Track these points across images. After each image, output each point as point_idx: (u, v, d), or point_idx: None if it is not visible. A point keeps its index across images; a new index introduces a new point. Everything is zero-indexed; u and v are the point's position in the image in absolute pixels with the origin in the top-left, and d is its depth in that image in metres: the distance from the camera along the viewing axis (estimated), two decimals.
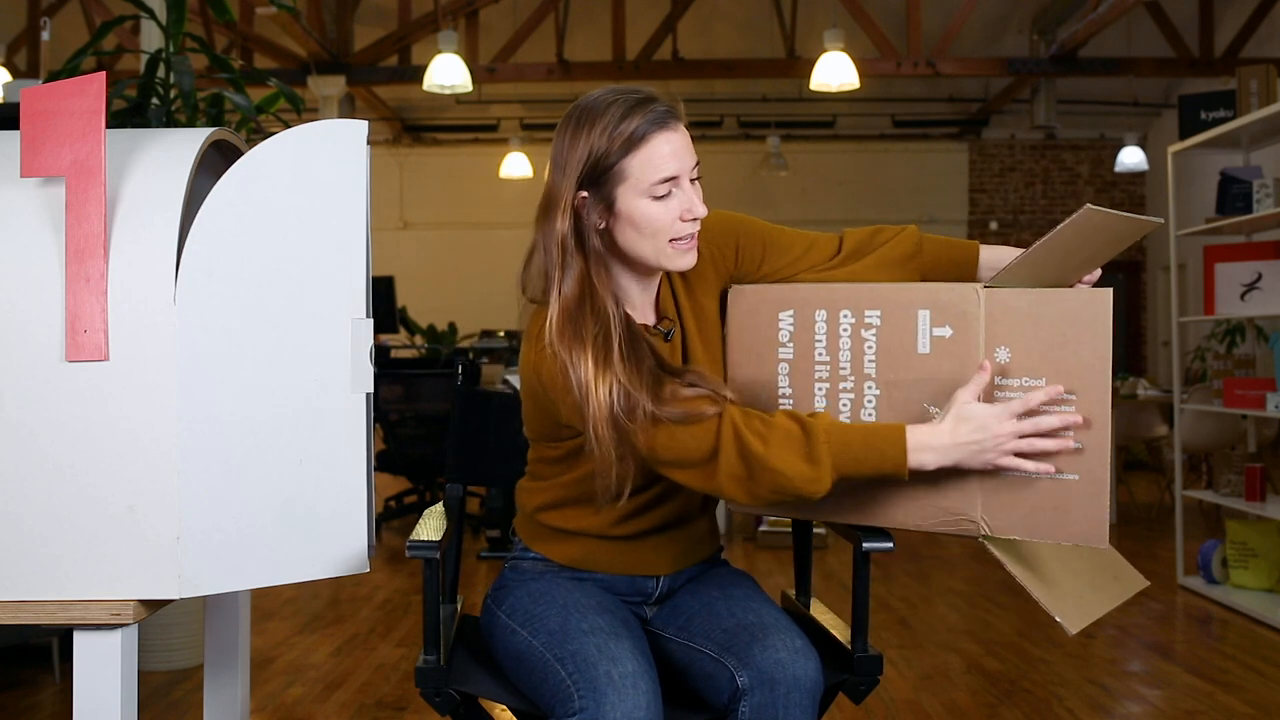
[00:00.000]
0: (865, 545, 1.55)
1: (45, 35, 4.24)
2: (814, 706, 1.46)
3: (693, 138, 1.52)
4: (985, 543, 1.48)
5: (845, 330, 1.51)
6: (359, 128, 1.54)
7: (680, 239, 1.50)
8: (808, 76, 7.04)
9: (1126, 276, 11.12)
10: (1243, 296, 4.21)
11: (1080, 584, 1.48)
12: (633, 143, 1.46)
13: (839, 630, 1.69)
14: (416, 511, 5.95)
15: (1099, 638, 3.70)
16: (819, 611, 1.80)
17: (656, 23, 8.40)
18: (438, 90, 6.86)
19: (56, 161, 1.43)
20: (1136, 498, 6.89)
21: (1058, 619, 1.39)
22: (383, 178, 10.89)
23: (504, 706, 1.56)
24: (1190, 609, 4.15)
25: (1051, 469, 1.40)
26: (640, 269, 1.55)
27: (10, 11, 8.30)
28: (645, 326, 1.57)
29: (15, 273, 1.43)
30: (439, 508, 1.77)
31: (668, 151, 1.47)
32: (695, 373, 1.49)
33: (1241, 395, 4.13)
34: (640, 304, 1.59)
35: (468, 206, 11.12)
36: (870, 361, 1.49)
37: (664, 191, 1.47)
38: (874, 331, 1.49)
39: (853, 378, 1.51)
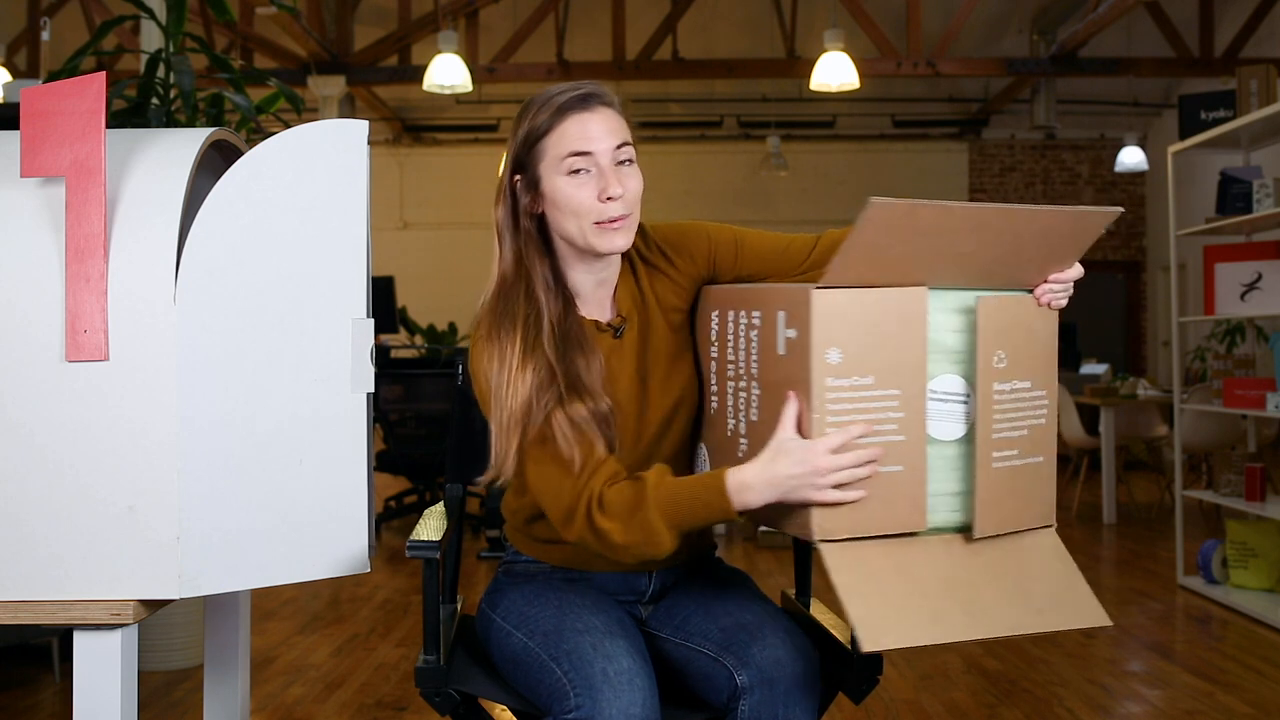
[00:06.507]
0: None
1: (45, 35, 4.25)
2: (813, 704, 1.46)
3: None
4: (819, 547, 1.39)
5: (743, 331, 1.52)
6: (359, 128, 1.54)
7: (605, 221, 1.49)
8: (808, 76, 7.04)
9: (1126, 276, 11.12)
10: (1243, 296, 4.21)
11: (950, 604, 1.38)
12: (551, 122, 1.49)
13: (839, 630, 1.69)
14: (416, 511, 5.95)
15: (1099, 638, 3.70)
16: (819, 611, 1.80)
17: (656, 23, 8.40)
18: (438, 90, 6.86)
19: (56, 161, 1.43)
20: (1136, 498, 6.88)
21: (855, 632, 1.31)
22: (383, 178, 10.89)
23: (504, 706, 1.56)
24: (1190, 609, 4.15)
25: (857, 495, 1.35)
26: (583, 256, 1.54)
27: (10, 11, 8.30)
28: (595, 322, 1.57)
29: (15, 273, 1.43)
30: (439, 508, 1.77)
31: (578, 129, 1.48)
32: (601, 413, 1.46)
33: (1241, 395, 4.13)
34: (595, 299, 1.58)
35: (468, 206, 11.10)
36: (755, 362, 1.50)
37: (575, 167, 1.47)
38: (756, 332, 1.49)
39: (745, 378, 1.52)
